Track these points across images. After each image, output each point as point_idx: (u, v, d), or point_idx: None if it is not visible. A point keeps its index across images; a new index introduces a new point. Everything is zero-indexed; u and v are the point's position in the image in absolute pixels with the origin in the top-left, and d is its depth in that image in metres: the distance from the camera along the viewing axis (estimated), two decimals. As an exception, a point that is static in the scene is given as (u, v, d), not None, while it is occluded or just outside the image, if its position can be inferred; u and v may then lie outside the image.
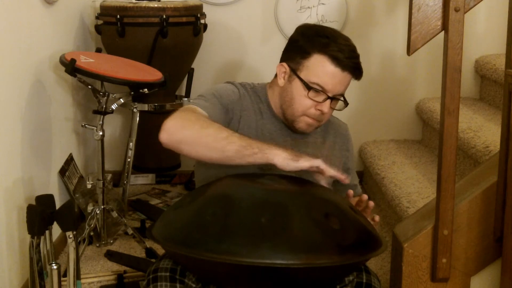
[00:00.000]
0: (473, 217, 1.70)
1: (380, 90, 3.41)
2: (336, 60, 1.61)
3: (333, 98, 1.65)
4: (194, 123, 1.52)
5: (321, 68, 1.63)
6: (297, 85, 1.66)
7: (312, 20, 3.28)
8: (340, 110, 1.72)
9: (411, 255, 1.70)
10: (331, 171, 1.49)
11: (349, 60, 1.62)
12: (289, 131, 1.73)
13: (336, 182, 1.82)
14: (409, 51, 1.61)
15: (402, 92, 3.42)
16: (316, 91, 1.64)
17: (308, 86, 1.64)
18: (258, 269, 1.27)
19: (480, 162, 2.31)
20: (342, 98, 1.70)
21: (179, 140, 1.51)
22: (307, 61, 1.64)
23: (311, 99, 1.65)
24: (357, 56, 1.65)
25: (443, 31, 1.60)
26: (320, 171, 1.49)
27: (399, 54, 3.33)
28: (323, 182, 1.54)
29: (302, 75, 1.65)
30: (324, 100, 1.64)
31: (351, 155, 1.86)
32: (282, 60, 1.72)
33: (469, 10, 1.59)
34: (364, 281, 1.51)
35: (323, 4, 3.31)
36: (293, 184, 1.54)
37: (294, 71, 1.67)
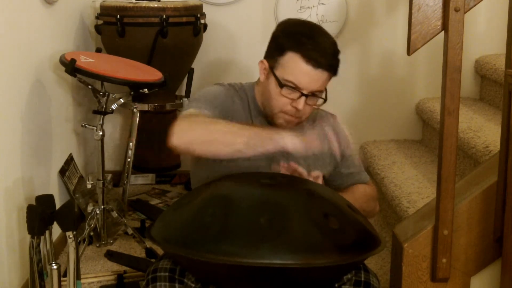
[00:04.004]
0: (473, 217, 1.69)
1: (380, 90, 3.41)
2: (309, 58, 1.61)
3: (308, 95, 1.65)
4: (201, 123, 1.55)
5: (293, 66, 1.63)
6: (273, 82, 1.67)
7: (312, 20, 3.27)
8: (318, 106, 1.72)
9: (411, 255, 1.70)
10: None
11: (322, 58, 1.62)
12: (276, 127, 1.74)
13: (334, 173, 1.83)
14: (409, 51, 1.61)
15: (402, 92, 3.42)
16: (290, 88, 1.64)
17: (280, 84, 1.65)
18: (257, 269, 1.28)
19: (480, 162, 2.31)
20: (320, 94, 1.69)
21: (190, 141, 1.53)
22: (282, 58, 1.65)
23: (286, 97, 1.65)
24: (332, 53, 1.65)
25: (443, 31, 1.60)
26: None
27: (399, 54, 3.33)
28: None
29: (277, 73, 1.66)
30: (299, 98, 1.64)
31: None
32: (264, 56, 1.73)
33: (469, 10, 1.59)
34: (363, 279, 1.51)
35: (323, 4, 3.31)
36: (292, 184, 1.54)
37: (271, 68, 1.68)
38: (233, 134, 1.51)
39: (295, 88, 1.64)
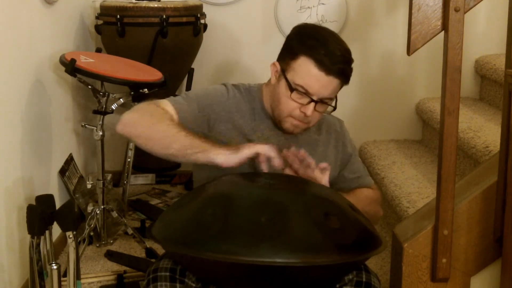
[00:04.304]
0: (473, 217, 1.70)
1: (380, 90, 3.41)
2: (321, 64, 1.60)
3: (318, 102, 1.64)
4: (147, 119, 1.59)
5: (305, 71, 1.62)
6: (283, 85, 1.66)
7: (312, 20, 3.28)
8: (328, 113, 1.71)
9: (411, 255, 1.70)
10: (270, 153, 1.51)
11: (334, 65, 1.61)
12: (282, 131, 1.73)
13: (338, 177, 1.83)
14: (409, 51, 1.61)
15: (402, 92, 3.42)
16: (300, 93, 1.63)
17: (291, 88, 1.63)
18: (258, 268, 1.28)
19: (480, 162, 2.31)
20: (330, 102, 1.67)
21: (132, 133, 1.59)
22: (294, 62, 1.64)
23: (295, 101, 1.64)
24: (345, 61, 1.64)
25: (443, 31, 1.60)
26: (265, 157, 1.51)
27: (399, 54, 3.33)
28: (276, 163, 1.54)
29: (288, 76, 1.65)
30: (308, 103, 1.63)
31: (350, 149, 1.86)
32: (277, 58, 1.72)
33: (469, 10, 1.59)
34: (364, 280, 1.51)
35: (323, 4, 3.31)
36: (293, 184, 1.54)
37: (283, 71, 1.67)
38: (170, 138, 1.54)
39: (306, 93, 1.63)
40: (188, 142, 1.52)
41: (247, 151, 1.49)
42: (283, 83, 1.66)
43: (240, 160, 1.49)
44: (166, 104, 1.66)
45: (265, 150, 1.51)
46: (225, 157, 1.49)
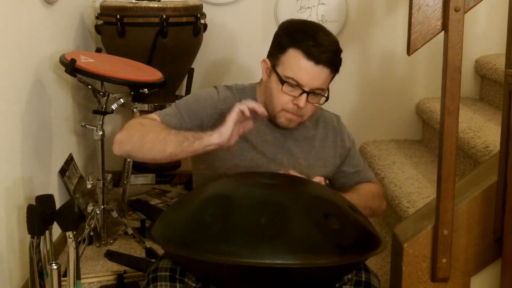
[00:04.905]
0: (473, 217, 1.70)
1: (380, 90, 3.41)
2: (309, 55, 1.62)
3: (310, 93, 1.65)
4: (136, 133, 1.63)
5: (294, 62, 1.63)
6: (275, 80, 1.68)
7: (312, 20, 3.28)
8: (321, 104, 1.72)
9: (411, 255, 1.70)
10: (250, 104, 1.53)
11: (322, 54, 1.62)
12: (277, 126, 1.74)
13: (338, 172, 1.83)
14: (409, 51, 1.61)
15: (402, 92, 3.42)
16: (291, 85, 1.65)
17: (282, 81, 1.65)
18: (258, 269, 1.28)
19: (480, 162, 2.31)
20: (322, 93, 1.69)
21: (128, 150, 1.64)
22: (283, 56, 1.66)
23: (287, 94, 1.66)
24: (333, 50, 1.65)
25: (443, 31, 1.60)
26: (252, 112, 1.54)
27: (399, 54, 3.33)
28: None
29: (278, 70, 1.67)
30: (300, 95, 1.64)
31: (348, 144, 1.86)
32: (267, 55, 1.74)
33: (469, 10, 1.59)
34: (363, 279, 1.51)
35: (323, 4, 3.31)
36: (293, 184, 1.54)
37: (273, 67, 1.69)
38: (163, 141, 1.57)
39: (296, 84, 1.64)
40: (181, 137, 1.56)
41: (231, 117, 1.52)
42: (274, 78, 1.68)
43: (230, 129, 1.51)
44: (153, 117, 1.71)
45: (245, 104, 1.53)
46: (218, 135, 1.51)
